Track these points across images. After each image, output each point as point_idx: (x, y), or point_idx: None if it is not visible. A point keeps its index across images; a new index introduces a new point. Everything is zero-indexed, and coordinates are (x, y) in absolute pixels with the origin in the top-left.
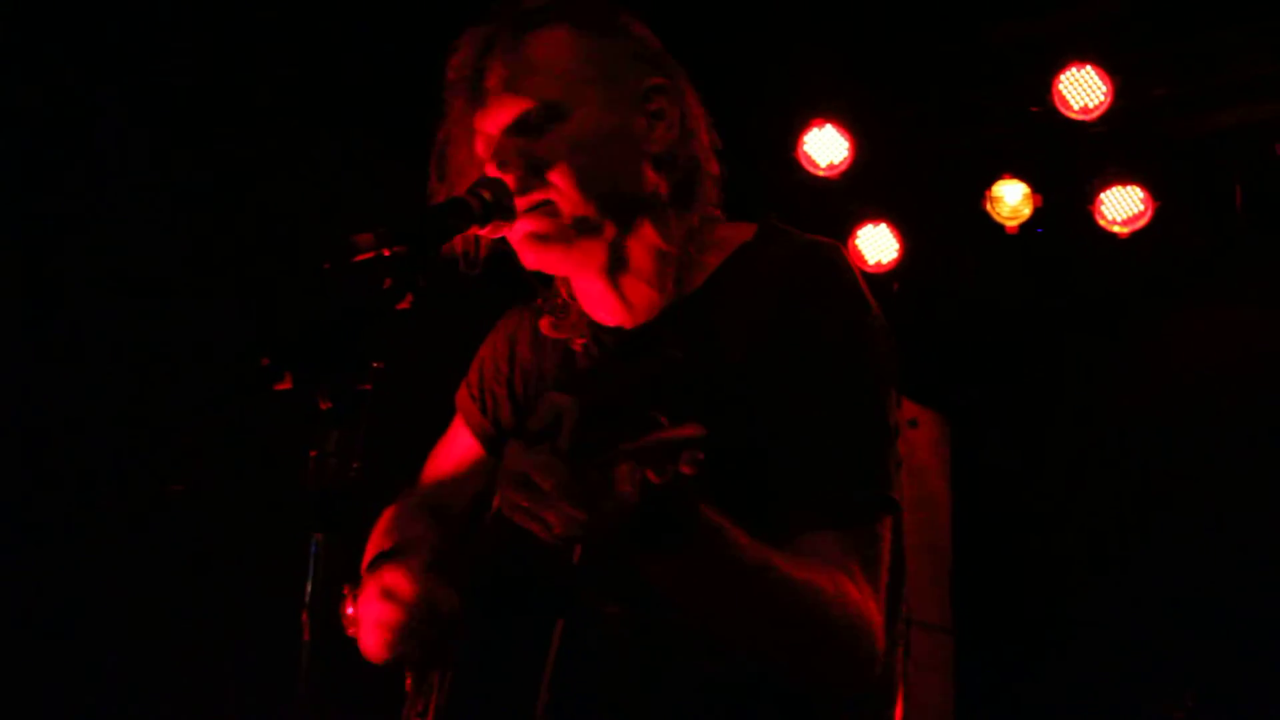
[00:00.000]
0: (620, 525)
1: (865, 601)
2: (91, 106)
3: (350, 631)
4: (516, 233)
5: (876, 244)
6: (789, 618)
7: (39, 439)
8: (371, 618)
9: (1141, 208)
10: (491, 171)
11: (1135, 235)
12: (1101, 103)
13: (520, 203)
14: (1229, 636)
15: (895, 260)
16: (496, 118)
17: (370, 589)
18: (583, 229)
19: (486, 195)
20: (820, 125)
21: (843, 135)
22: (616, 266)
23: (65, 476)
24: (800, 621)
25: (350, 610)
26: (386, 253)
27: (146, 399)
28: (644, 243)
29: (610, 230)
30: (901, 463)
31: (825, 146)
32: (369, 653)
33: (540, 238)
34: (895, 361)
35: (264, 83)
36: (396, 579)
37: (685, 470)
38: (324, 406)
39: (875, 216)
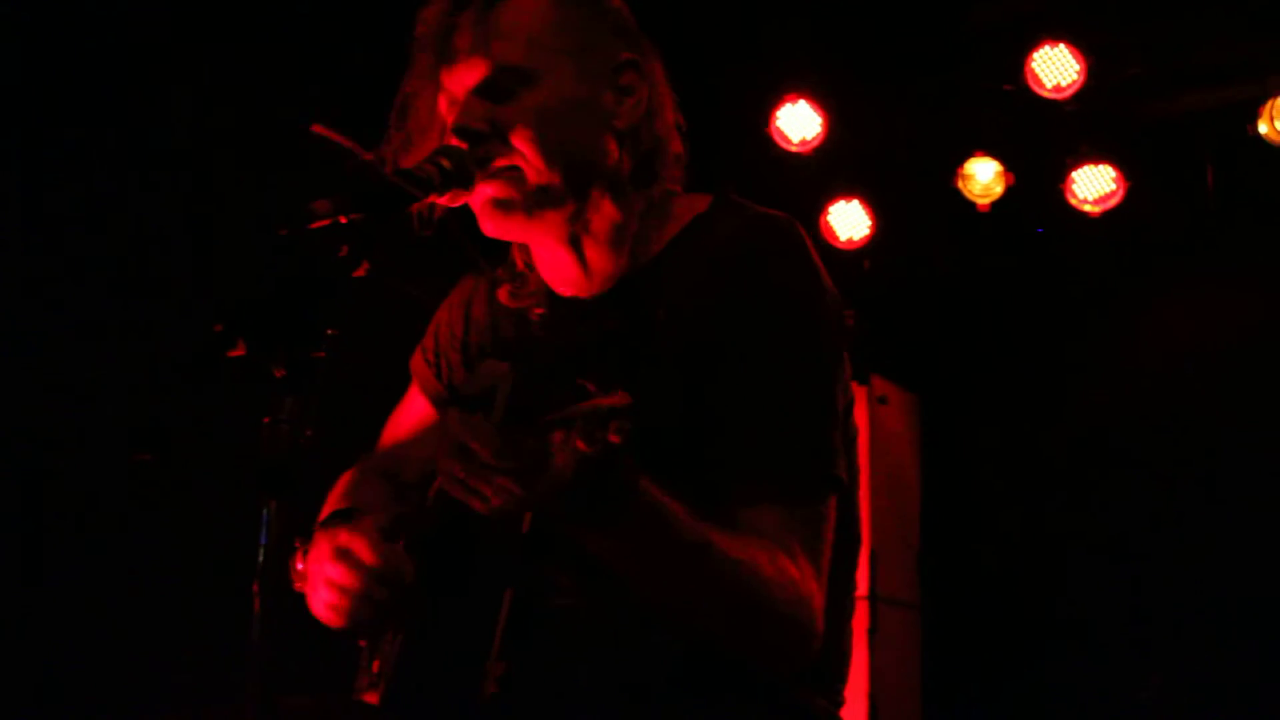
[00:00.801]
0: (555, 498)
1: (805, 581)
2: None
3: (298, 586)
4: (478, 198)
5: (848, 220)
6: (726, 594)
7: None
8: (324, 577)
9: (1113, 187)
10: (452, 136)
11: (1106, 214)
12: (1074, 81)
13: (482, 167)
14: (1197, 617)
15: (867, 237)
16: (464, 78)
17: (323, 548)
18: (545, 198)
19: (446, 163)
20: (793, 101)
21: (815, 111)
22: (578, 236)
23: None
24: (737, 599)
25: (300, 566)
26: (343, 220)
27: (102, 368)
28: (602, 216)
29: (571, 201)
30: (853, 440)
31: (798, 122)
32: (318, 613)
33: (503, 204)
34: (846, 337)
35: (222, 42)
36: (352, 541)
37: (613, 439)
38: (278, 374)
39: (847, 193)
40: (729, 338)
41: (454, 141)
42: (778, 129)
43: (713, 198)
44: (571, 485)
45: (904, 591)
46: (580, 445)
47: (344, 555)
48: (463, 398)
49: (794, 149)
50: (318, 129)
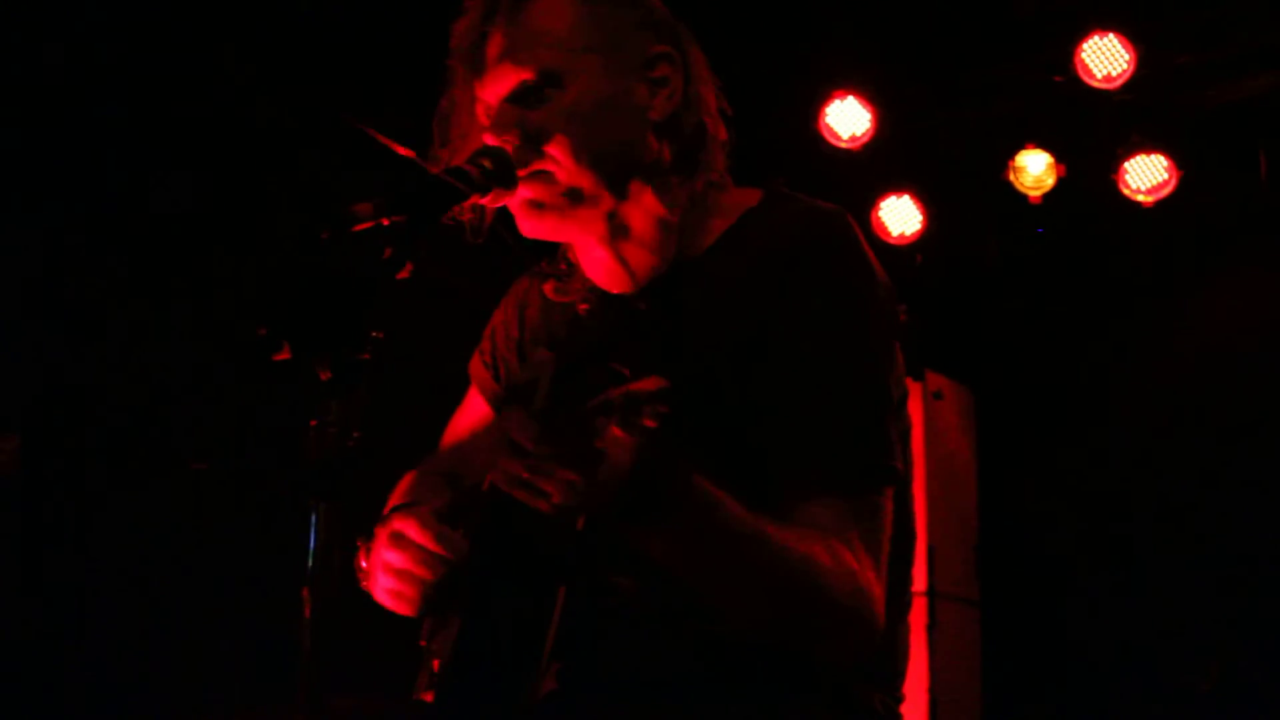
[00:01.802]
0: (612, 494)
1: (864, 572)
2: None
3: (364, 584)
4: (515, 200)
5: (900, 216)
6: (785, 588)
7: (61, 417)
8: (380, 563)
9: (1166, 176)
10: (491, 140)
11: (1159, 204)
12: (1124, 71)
13: (518, 171)
14: (1255, 607)
15: (919, 232)
16: (496, 86)
17: (380, 537)
18: (578, 198)
19: (487, 164)
20: (842, 97)
21: (865, 107)
22: (617, 234)
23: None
24: (797, 593)
25: (364, 563)
26: (386, 222)
27: (151, 372)
28: (645, 210)
29: (608, 199)
30: (908, 433)
31: (847, 118)
32: (382, 599)
33: (536, 205)
34: (899, 330)
35: (271, 51)
36: (405, 524)
37: (649, 424)
38: (324, 377)
39: (898, 188)
40: (781, 330)
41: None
42: (827, 125)
43: (763, 192)
44: (629, 483)
45: (962, 587)
46: (616, 431)
47: (397, 539)
48: (512, 390)
49: (843, 145)
50: (370, 131)
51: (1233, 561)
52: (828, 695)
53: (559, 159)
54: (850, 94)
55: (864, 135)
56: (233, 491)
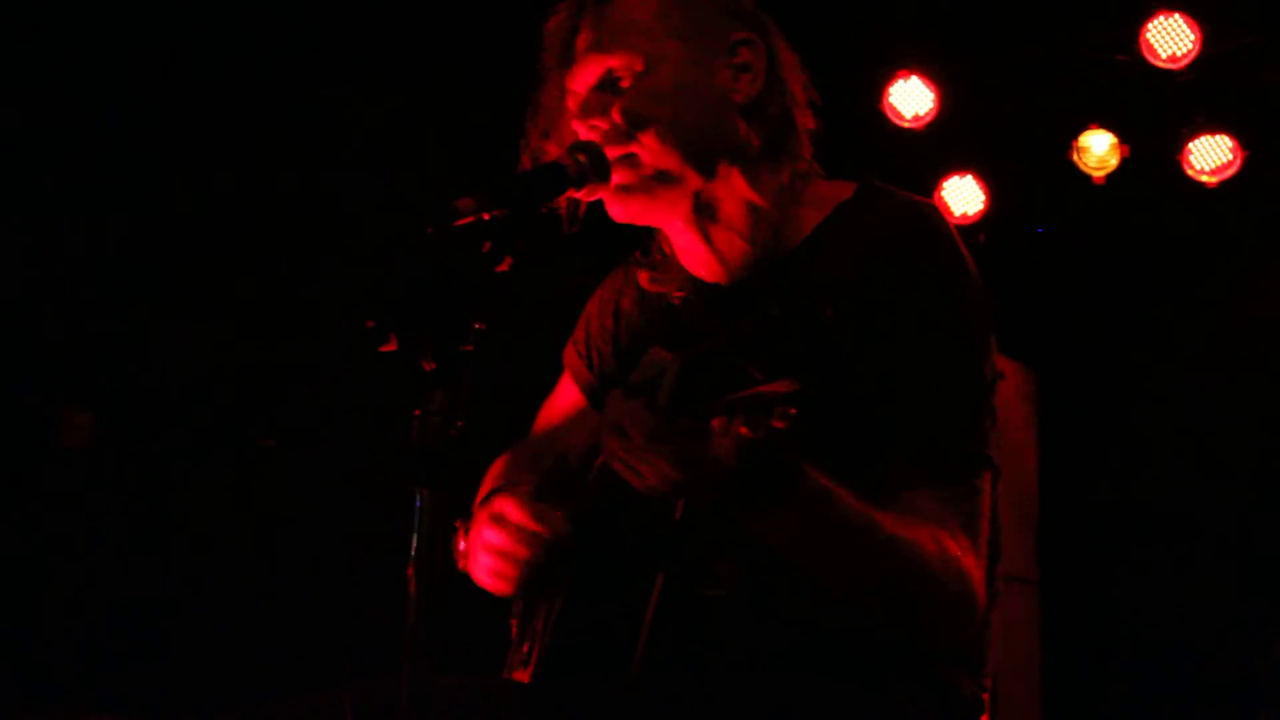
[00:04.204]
0: (717, 485)
1: (965, 557)
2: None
3: (461, 565)
4: (606, 188)
5: (963, 195)
6: (893, 575)
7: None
8: (480, 544)
9: (1230, 157)
10: (583, 132)
11: (1224, 185)
12: (1189, 51)
13: (609, 159)
14: None
15: (981, 211)
16: (584, 77)
17: (480, 518)
18: (664, 179)
19: (582, 158)
20: (906, 77)
21: (928, 86)
22: (705, 217)
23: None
24: (904, 578)
25: (462, 545)
26: (486, 216)
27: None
28: (734, 193)
29: (694, 179)
30: (996, 419)
31: (911, 97)
32: (479, 579)
33: (622, 189)
34: (992, 319)
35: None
36: (505, 505)
37: (778, 425)
38: (428, 367)
39: (961, 168)
40: (881, 324)
41: (584, 138)
42: (890, 105)
43: (857, 185)
44: (734, 471)
45: (1022, 568)
46: (744, 431)
47: (497, 519)
48: (629, 386)
49: (907, 125)
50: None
51: None
52: (918, 681)
53: (645, 141)
54: (914, 74)
55: (927, 115)
56: (341, 478)
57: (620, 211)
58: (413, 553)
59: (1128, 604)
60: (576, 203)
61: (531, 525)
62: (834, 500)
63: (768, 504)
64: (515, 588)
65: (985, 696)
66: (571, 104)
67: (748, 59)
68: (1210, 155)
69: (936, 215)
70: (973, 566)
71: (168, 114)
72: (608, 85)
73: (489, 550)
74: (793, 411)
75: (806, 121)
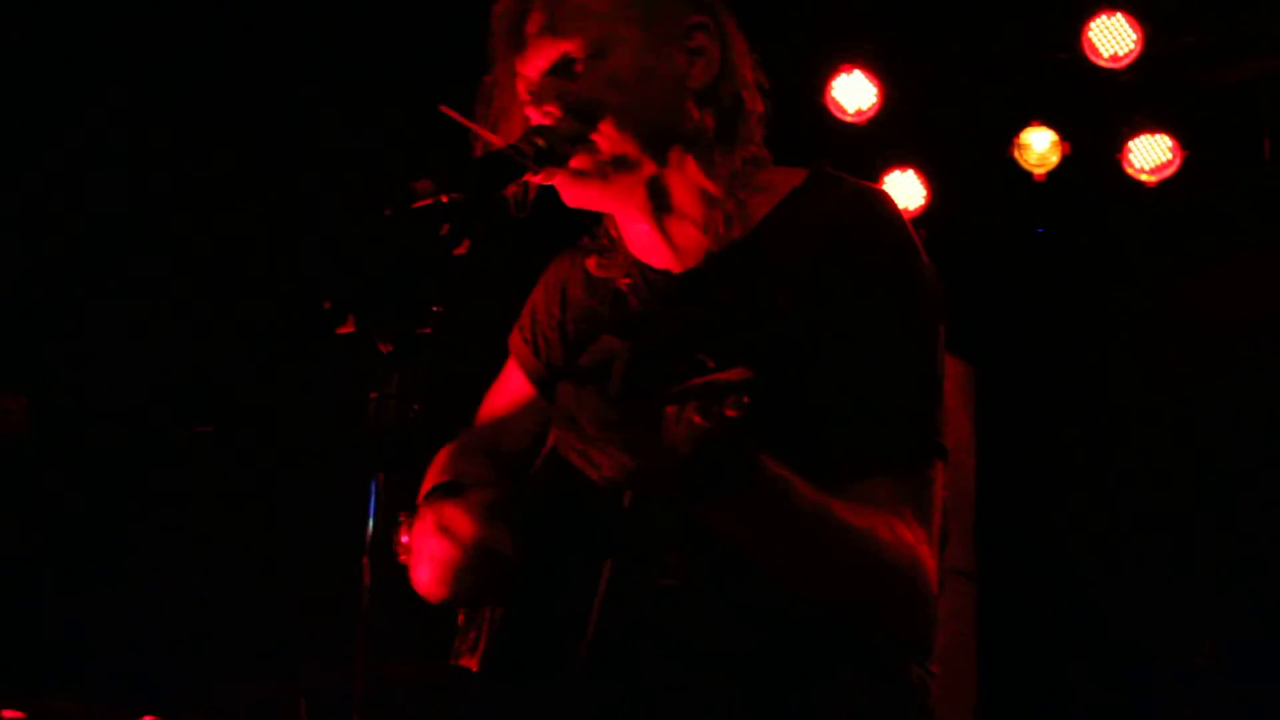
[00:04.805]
0: (671, 474)
1: (920, 546)
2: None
3: (402, 559)
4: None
5: (904, 190)
6: (848, 563)
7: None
8: (427, 553)
9: (1170, 156)
10: (535, 117)
11: (1163, 184)
12: (1131, 51)
13: (573, 144)
14: (1255, 587)
15: (922, 207)
16: (536, 61)
17: (427, 522)
18: (619, 165)
19: (540, 141)
20: (848, 71)
21: (871, 81)
22: (659, 206)
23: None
24: (859, 567)
25: (404, 539)
26: (444, 199)
27: (208, 348)
28: (688, 180)
29: (649, 166)
30: (945, 409)
31: (853, 92)
32: (421, 588)
33: (578, 174)
34: (944, 309)
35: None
36: (456, 516)
37: (730, 414)
38: (384, 349)
39: (903, 163)
40: (834, 313)
41: (536, 123)
42: (833, 99)
43: (808, 171)
44: (688, 459)
45: (959, 560)
46: (697, 419)
47: (446, 531)
48: (579, 373)
49: (849, 119)
50: (444, 109)
51: (1233, 541)
52: (867, 668)
53: (601, 128)
54: (857, 68)
55: (870, 109)
56: (291, 462)
57: (574, 197)
58: (367, 539)
59: (1064, 599)
60: (527, 187)
61: (481, 544)
62: (789, 488)
63: (722, 492)
64: (452, 601)
65: (932, 683)
66: (523, 89)
67: (702, 43)
68: (1150, 154)
69: (889, 203)
70: (927, 555)
71: (110, 103)
72: (561, 70)
73: (434, 561)
74: (746, 400)
75: (756, 105)
